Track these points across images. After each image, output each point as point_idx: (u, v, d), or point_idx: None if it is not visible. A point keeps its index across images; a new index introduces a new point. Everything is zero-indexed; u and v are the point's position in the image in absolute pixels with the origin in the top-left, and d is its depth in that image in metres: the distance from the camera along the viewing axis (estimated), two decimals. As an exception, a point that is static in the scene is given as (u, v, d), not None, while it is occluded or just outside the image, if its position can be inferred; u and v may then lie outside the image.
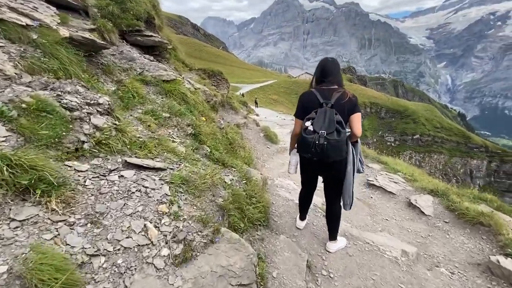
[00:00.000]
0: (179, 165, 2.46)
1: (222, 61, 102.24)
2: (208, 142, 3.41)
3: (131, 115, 2.77)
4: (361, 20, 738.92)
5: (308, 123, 2.11)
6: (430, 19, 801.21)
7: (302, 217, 3.13)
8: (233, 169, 3.27)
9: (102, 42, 3.01)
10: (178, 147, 2.85)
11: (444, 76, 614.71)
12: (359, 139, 2.35)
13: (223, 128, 4.42)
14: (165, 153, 2.54)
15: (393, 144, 67.24)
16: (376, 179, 5.45)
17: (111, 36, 3.93)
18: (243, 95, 39.65)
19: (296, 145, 2.42)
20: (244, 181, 3.07)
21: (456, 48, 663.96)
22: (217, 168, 2.93)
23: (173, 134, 3.07)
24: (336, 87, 2.24)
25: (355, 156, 2.30)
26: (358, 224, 3.68)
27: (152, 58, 4.99)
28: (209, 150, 3.22)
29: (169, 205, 1.79)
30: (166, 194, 1.85)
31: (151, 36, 4.91)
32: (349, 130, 2.24)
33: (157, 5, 6.50)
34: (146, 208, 1.69)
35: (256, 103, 35.46)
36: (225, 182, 2.77)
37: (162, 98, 3.70)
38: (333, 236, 2.76)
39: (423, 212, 4.00)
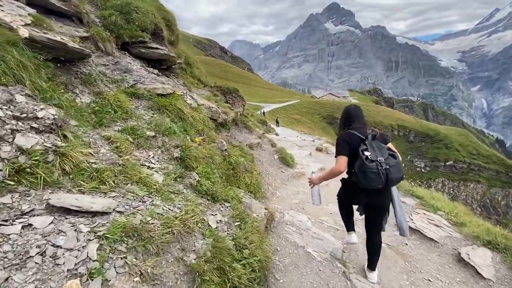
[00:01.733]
0: (143, 202, 1.83)
1: (246, 81, 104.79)
2: (199, 168, 2.78)
3: (98, 134, 2.23)
4: (387, 43, 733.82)
5: (367, 153, 2.19)
6: (462, 42, 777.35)
7: (350, 228, 3.04)
8: (226, 204, 2.59)
9: (79, 47, 2.59)
10: (154, 175, 2.24)
11: (479, 100, 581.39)
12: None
13: (225, 150, 3.79)
14: (129, 184, 1.94)
15: (423, 170, 62.75)
16: (412, 219, 4.46)
17: (106, 46, 3.56)
18: (264, 113, 39.55)
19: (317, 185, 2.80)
20: (237, 223, 2.36)
21: (491, 71, 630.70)
22: (201, 205, 2.26)
23: (153, 157, 2.48)
24: (365, 125, 2.49)
25: None
26: (391, 286, 2.76)
27: (156, 72, 4.61)
28: (197, 179, 2.58)
29: (87, 279, 1.13)
30: (89, 259, 1.20)
31: (157, 48, 4.55)
32: None
33: (172, 20, 6.30)
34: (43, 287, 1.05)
35: (277, 122, 35.02)
36: (209, 225, 2.09)
37: (153, 114, 3.18)
38: (374, 265, 2.74)
39: (480, 274, 2.99)
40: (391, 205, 2.51)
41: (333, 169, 2.33)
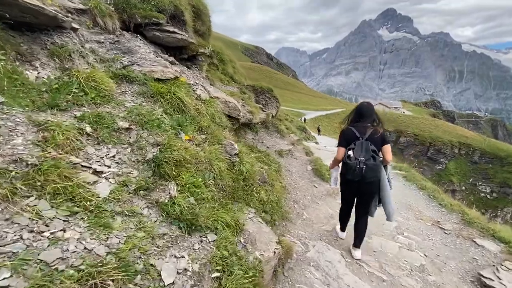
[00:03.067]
0: (39, 233, 1.05)
1: (290, 87, 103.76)
2: (182, 176, 1.96)
3: (30, 118, 1.55)
4: (450, 51, 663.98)
5: (350, 152, 2.73)
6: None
7: (343, 228, 3.53)
8: (209, 237, 1.72)
9: (52, 11, 2.00)
10: (99, 184, 1.48)
11: None
12: (389, 163, 2.88)
13: (236, 154, 2.94)
14: (32, 198, 1.19)
15: (488, 197, 53.68)
16: (499, 277, 3.05)
17: (106, 22, 3.03)
18: (304, 120, 38.04)
19: (337, 167, 3.09)
20: (216, 273, 1.47)
21: None
22: (164, 237, 1.44)
23: (111, 157, 1.73)
24: (369, 125, 2.79)
25: (386, 176, 2.86)
26: None
27: (172, 59, 4.01)
28: (172, 194, 1.76)
29: None
30: None
31: (174, 32, 3.94)
32: (381, 157, 2.78)
33: (202, 8, 5.74)
34: None
35: (318, 130, 33.26)
36: (160, 280, 1.24)
37: (142, 101, 2.49)
38: (359, 244, 3.17)
39: None
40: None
41: (335, 157, 2.96)
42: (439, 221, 4.87)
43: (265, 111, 7.21)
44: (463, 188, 54.20)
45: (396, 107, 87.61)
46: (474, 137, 64.00)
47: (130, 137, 1.98)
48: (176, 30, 3.97)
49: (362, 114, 2.85)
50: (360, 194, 2.97)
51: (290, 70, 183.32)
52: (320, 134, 30.21)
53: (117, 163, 1.73)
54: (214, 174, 2.40)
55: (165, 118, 2.41)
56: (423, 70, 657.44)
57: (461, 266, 3.42)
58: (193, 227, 1.70)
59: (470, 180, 55.64)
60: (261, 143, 6.05)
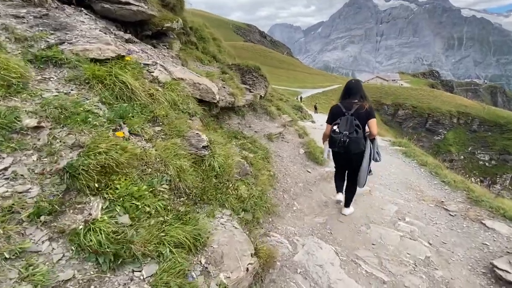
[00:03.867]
0: None
1: (285, 66, 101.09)
2: (115, 187, 1.48)
3: None
4: (449, 17, 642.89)
5: (335, 127, 3.02)
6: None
7: (339, 191, 3.66)
8: (150, 265, 1.27)
9: None
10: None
11: None
12: (376, 137, 3.10)
13: (205, 147, 2.44)
14: None
15: (487, 164, 53.90)
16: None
17: (30, -10, 2.40)
18: (300, 98, 37.16)
19: (327, 142, 3.28)
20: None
21: None
22: (63, 285, 0.97)
23: (4, 169, 1.24)
24: (356, 101, 3.04)
25: (372, 149, 3.09)
26: None
27: (128, 37, 3.39)
28: (96, 216, 1.28)
29: None
30: None
31: (127, 3, 3.30)
32: (368, 131, 3.00)
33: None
34: None
35: (315, 108, 32.53)
36: None
37: (71, 89, 1.96)
38: (348, 204, 3.63)
39: None
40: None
41: (324, 132, 3.39)
42: (443, 201, 4.48)
43: (252, 92, 6.62)
44: (462, 157, 54.33)
45: (394, 80, 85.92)
46: (473, 105, 63.29)
47: (38, 139, 1.47)
48: (130, 0, 3.32)
49: (350, 91, 3.15)
50: (346, 164, 3.35)
51: (285, 47, 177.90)
52: (317, 112, 29.54)
53: (7, 179, 1.24)
54: (170, 176, 1.92)
55: (100, 109, 1.88)
56: (421, 39, 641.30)
57: (470, 255, 3.05)
58: (121, 260, 1.24)
59: (469, 149, 55.67)
60: (248, 127, 5.53)
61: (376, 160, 3.20)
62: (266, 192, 3.31)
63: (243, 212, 2.65)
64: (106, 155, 1.49)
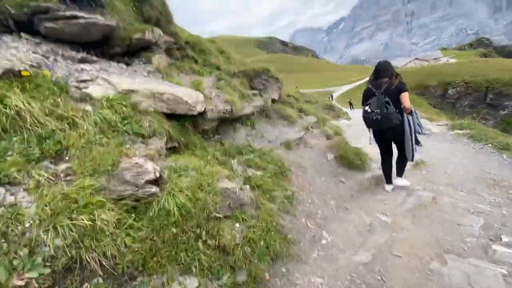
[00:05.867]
0: None
1: (311, 68, 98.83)
2: None
3: None
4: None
5: (367, 107, 3.26)
6: None
7: (388, 182, 3.62)
8: None
9: None
10: None
11: None
12: (413, 110, 3.15)
13: (154, 181, 1.60)
14: None
15: None
16: None
17: None
18: (331, 97, 35.08)
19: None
20: None
21: None
22: None
23: None
24: (386, 79, 3.18)
25: (411, 122, 3.12)
26: None
27: (82, 55, 2.81)
28: None
29: None
30: None
31: (73, 17, 2.72)
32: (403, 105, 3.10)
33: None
34: None
35: (350, 104, 30.24)
36: None
37: None
38: (400, 173, 3.59)
39: None
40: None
41: (362, 116, 3.46)
42: (556, 200, 2.95)
43: (262, 96, 5.76)
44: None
45: (436, 58, 77.54)
46: (545, 67, 53.15)
47: None
48: (76, 13, 2.74)
49: (378, 72, 3.30)
50: (385, 139, 3.46)
51: (308, 50, 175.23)
52: (353, 108, 27.30)
53: None
54: (63, 246, 1.10)
55: None
56: (460, 8, 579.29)
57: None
58: None
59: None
60: (260, 138, 4.61)
61: (418, 133, 3.24)
62: (273, 227, 2.29)
63: (228, 273, 1.69)
64: None
